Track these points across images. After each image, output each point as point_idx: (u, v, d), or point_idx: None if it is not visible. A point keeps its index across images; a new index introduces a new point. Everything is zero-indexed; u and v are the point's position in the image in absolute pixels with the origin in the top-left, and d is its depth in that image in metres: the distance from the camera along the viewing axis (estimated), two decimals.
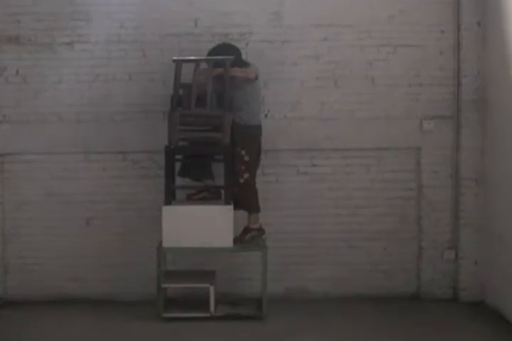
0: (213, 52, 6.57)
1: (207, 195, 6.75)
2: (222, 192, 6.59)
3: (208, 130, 6.50)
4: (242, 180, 6.53)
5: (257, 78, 6.53)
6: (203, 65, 6.49)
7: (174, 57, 6.45)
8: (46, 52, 6.92)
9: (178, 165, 6.69)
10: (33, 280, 7.10)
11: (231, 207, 6.48)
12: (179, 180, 6.77)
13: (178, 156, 6.62)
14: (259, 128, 6.65)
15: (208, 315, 6.46)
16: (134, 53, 6.96)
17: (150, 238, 6.79)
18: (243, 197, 6.59)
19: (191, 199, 6.73)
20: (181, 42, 6.90)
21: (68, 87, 6.97)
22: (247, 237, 6.67)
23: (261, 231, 6.71)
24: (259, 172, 6.80)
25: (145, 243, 6.90)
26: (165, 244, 6.47)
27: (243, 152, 6.52)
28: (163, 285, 6.49)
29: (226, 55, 6.42)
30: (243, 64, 6.56)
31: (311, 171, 7.07)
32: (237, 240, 6.57)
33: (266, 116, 6.96)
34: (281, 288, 7.05)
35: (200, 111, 6.41)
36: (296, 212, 7.06)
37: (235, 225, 6.51)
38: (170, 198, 6.51)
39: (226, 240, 6.46)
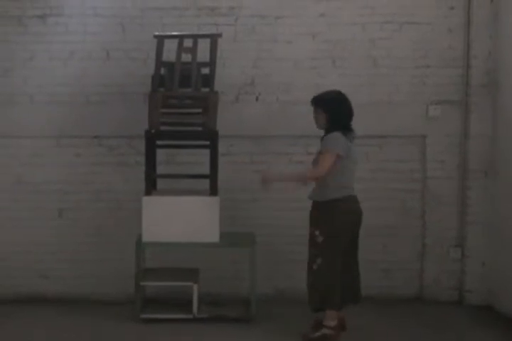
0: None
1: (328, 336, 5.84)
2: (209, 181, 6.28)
3: (193, 113, 6.31)
4: (315, 266, 5.74)
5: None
6: (188, 42, 6.18)
7: (156, 33, 6.21)
8: (15, 26, 6.70)
9: (159, 152, 6.46)
10: None
11: (217, 198, 6.23)
12: (160, 169, 6.55)
13: (159, 142, 6.39)
14: (344, 201, 5.69)
15: (191, 316, 6.28)
16: (112, 28, 6.74)
17: (128, 232, 6.59)
18: (314, 288, 5.72)
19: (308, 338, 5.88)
20: (164, 17, 6.70)
21: (40, 64, 6.74)
22: (318, 335, 5.81)
23: (336, 330, 5.73)
24: (247, 159, 6.63)
25: (123, 237, 6.70)
26: (145, 239, 6.24)
27: (317, 232, 5.75)
28: (142, 284, 6.30)
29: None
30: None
31: (306, 160, 6.67)
32: (305, 338, 5.81)
33: (257, 99, 6.80)
34: (271, 287, 6.82)
35: (183, 92, 6.23)
36: (288, 204, 6.80)
37: (221, 218, 6.26)
38: (151, 188, 6.29)
39: (212, 234, 6.22)
